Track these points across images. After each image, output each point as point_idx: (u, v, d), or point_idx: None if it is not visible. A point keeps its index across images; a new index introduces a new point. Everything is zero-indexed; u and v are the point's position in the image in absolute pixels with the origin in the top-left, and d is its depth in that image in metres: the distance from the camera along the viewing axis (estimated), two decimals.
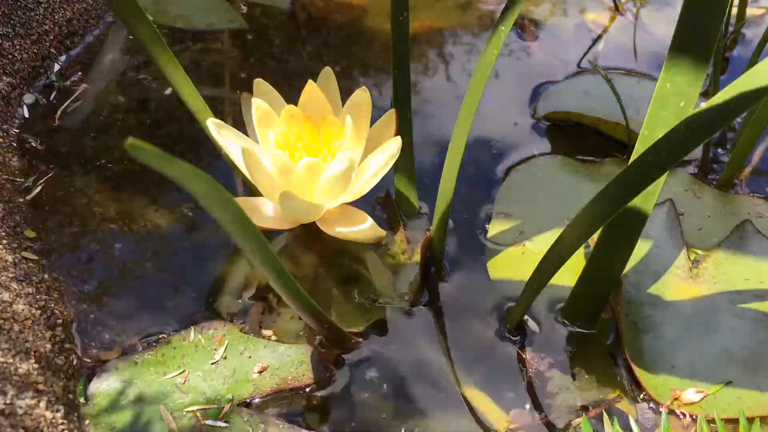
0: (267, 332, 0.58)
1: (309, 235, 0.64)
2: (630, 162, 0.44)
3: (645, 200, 0.49)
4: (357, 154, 0.61)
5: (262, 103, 0.60)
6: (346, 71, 0.63)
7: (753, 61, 0.71)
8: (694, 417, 0.51)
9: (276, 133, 0.60)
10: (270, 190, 0.59)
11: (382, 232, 0.59)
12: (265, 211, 0.62)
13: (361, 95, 0.62)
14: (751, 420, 0.50)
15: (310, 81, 0.62)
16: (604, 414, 0.52)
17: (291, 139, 0.61)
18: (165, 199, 0.69)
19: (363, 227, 0.60)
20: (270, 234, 0.65)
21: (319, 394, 0.54)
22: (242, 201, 0.63)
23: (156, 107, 0.78)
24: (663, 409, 0.52)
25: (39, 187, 0.68)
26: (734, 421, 0.51)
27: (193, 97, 0.61)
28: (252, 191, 0.66)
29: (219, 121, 0.60)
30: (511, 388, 0.55)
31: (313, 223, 0.61)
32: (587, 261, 0.54)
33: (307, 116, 0.61)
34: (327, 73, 0.64)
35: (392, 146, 0.59)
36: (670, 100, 0.44)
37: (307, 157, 0.58)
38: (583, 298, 0.57)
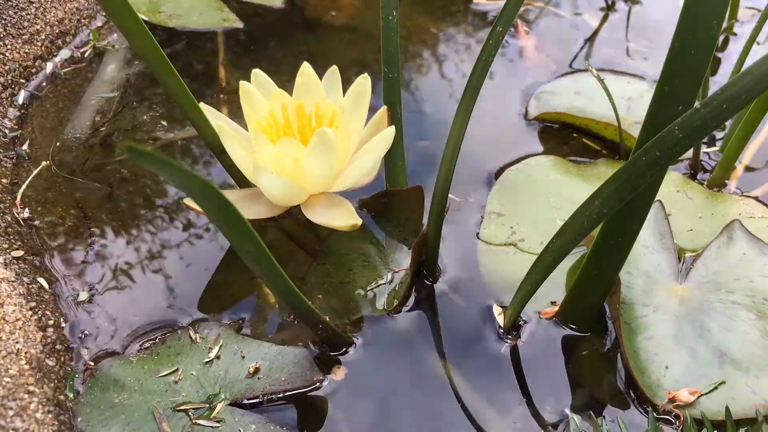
0: (261, 333, 0.58)
1: (300, 233, 0.64)
2: (624, 163, 0.44)
3: (642, 201, 0.49)
4: (352, 137, 0.60)
5: (250, 85, 0.59)
6: (341, 71, 0.63)
7: (741, 61, 0.72)
8: (681, 417, 0.52)
9: (261, 116, 0.59)
10: (252, 172, 0.58)
11: (358, 221, 0.58)
12: (253, 200, 0.61)
13: (362, 83, 0.61)
14: (744, 421, 0.50)
15: (305, 63, 0.61)
16: (592, 415, 0.53)
17: (279, 123, 0.60)
18: (160, 199, 0.69)
19: (340, 214, 0.59)
20: (265, 234, 0.65)
21: (312, 396, 0.54)
22: (229, 193, 0.62)
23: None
24: (650, 411, 0.52)
25: (31, 187, 0.68)
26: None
27: (184, 96, 0.61)
28: (241, 184, 0.65)
29: (207, 106, 0.60)
30: (506, 388, 0.55)
31: (308, 221, 0.60)
32: (584, 262, 0.54)
33: (299, 102, 0.60)
34: (333, 71, 0.63)
35: (385, 135, 0.58)
36: (668, 104, 0.44)
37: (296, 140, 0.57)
38: (579, 299, 0.57)
